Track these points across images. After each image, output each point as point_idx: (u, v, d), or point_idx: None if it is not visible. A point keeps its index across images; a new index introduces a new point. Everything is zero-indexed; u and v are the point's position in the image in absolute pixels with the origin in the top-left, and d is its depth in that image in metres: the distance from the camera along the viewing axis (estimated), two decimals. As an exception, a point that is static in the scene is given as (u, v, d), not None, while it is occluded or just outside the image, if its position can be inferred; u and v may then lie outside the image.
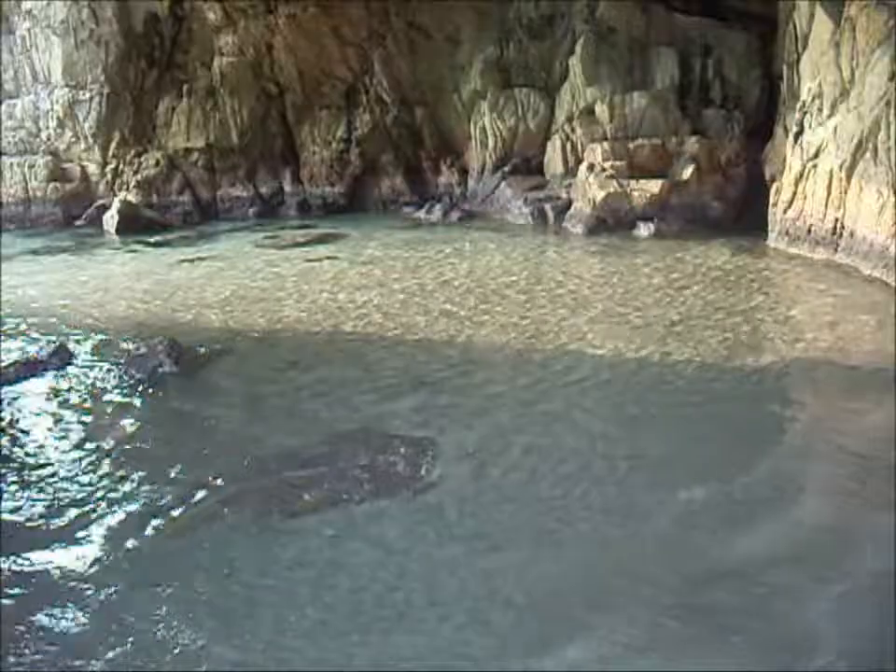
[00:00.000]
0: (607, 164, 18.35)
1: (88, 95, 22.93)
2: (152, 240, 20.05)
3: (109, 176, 23.30)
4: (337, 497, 7.04)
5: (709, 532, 6.36)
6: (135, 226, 21.03)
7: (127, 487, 7.38)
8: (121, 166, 23.24)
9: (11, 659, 5.18)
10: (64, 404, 9.39)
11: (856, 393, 8.96)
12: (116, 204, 21.69)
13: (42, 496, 7.27)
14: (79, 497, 7.23)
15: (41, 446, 8.30)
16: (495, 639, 5.32)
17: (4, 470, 7.72)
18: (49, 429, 8.68)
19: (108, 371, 10.39)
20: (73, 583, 5.99)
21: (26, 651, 5.28)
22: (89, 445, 8.28)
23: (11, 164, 23.34)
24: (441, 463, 7.60)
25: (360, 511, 6.87)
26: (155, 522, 6.82)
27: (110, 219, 21.45)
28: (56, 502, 7.16)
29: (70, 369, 10.38)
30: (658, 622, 5.37)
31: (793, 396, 9.31)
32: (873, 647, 5.06)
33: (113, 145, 23.24)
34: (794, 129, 15.33)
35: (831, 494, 6.90)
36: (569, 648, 5.16)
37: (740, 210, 17.88)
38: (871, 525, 6.36)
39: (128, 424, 8.93)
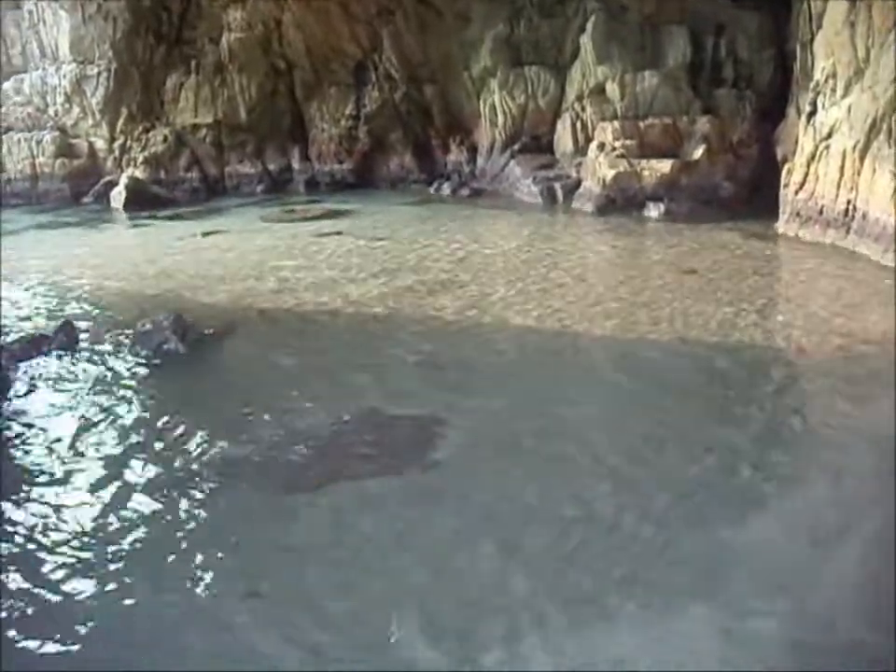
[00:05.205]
0: (617, 143, 18.21)
1: (95, 71, 22.90)
2: (159, 216, 20.09)
3: (117, 152, 23.31)
4: (344, 474, 7.02)
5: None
6: (143, 202, 21.08)
7: (131, 464, 7.36)
8: (129, 142, 23.24)
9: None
10: (70, 381, 9.35)
11: (858, 375, 8.85)
12: (123, 180, 21.72)
13: (50, 473, 7.27)
14: (87, 474, 7.22)
15: (48, 426, 8.26)
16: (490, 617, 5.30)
17: (11, 449, 7.71)
18: (56, 406, 8.65)
19: (113, 347, 10.36)
20: (85, 569, 5.99)
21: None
22: (94, 423, 8.25)
23: (19, 140, 23.37)
24: (448, 442, 7.56)
25: (367, 487, 6.84)
26: (162, 496, 6.80)
27: (117, 195, 21.48)
28: (65, 476, 7.16)
29: (75, 345, 10.34)
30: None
31: (797, 380, 9.23)
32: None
33: (121, 121, 23.24)
34: (807, 109, 15.15)
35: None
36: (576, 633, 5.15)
37: (751, 191, 17.75)
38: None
39: (132, 401, 8.90)
